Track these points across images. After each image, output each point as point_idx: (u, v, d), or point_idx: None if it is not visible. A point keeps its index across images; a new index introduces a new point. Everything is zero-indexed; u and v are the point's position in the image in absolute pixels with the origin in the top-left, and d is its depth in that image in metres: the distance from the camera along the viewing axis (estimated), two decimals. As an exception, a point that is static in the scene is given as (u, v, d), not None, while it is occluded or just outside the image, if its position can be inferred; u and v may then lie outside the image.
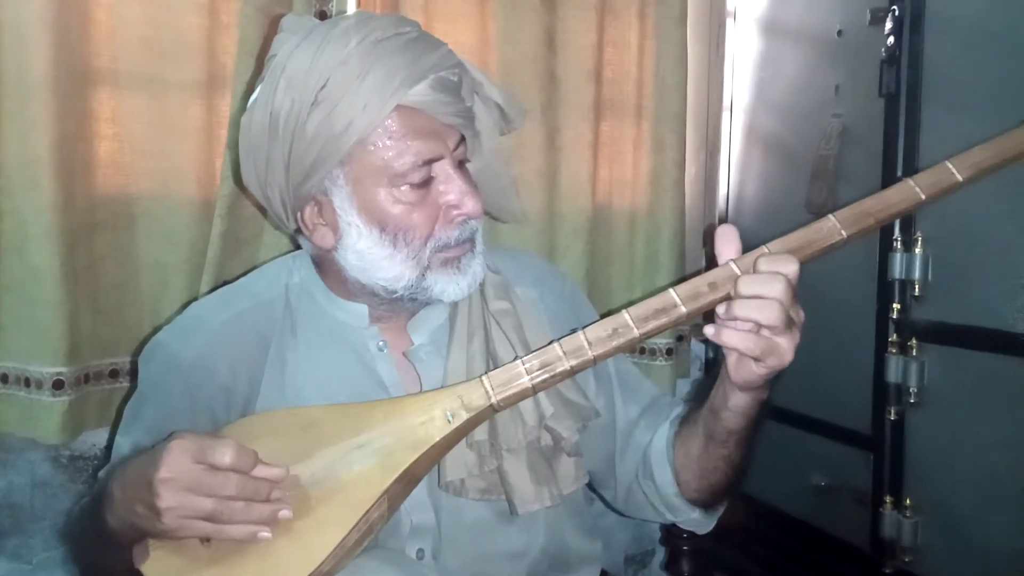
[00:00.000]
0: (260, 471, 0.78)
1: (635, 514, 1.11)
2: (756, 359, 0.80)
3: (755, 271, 0.79)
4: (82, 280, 1.32)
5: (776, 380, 0.86)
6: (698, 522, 1.05)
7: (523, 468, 0.93)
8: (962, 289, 1.30)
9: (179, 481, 0.74)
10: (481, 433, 0.91)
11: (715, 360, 1.83)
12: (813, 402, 1.57)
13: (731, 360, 0.83)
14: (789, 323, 0.79)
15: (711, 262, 0.83)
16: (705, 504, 1.02)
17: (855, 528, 1.47)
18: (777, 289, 0.77)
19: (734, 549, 1.66)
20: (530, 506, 0.93)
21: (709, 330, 0.80)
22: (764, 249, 0.81)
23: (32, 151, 1.25)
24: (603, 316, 0.84)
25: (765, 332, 0.79)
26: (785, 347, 0.80)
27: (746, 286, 0.79)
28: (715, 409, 0.91)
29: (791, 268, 0.78)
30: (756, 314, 0.78)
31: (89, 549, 0.93)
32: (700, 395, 0.96)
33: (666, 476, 1.01)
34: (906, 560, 1.37)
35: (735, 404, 0.88)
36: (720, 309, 0.81)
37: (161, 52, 1.38)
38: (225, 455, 0.76)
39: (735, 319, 0.79)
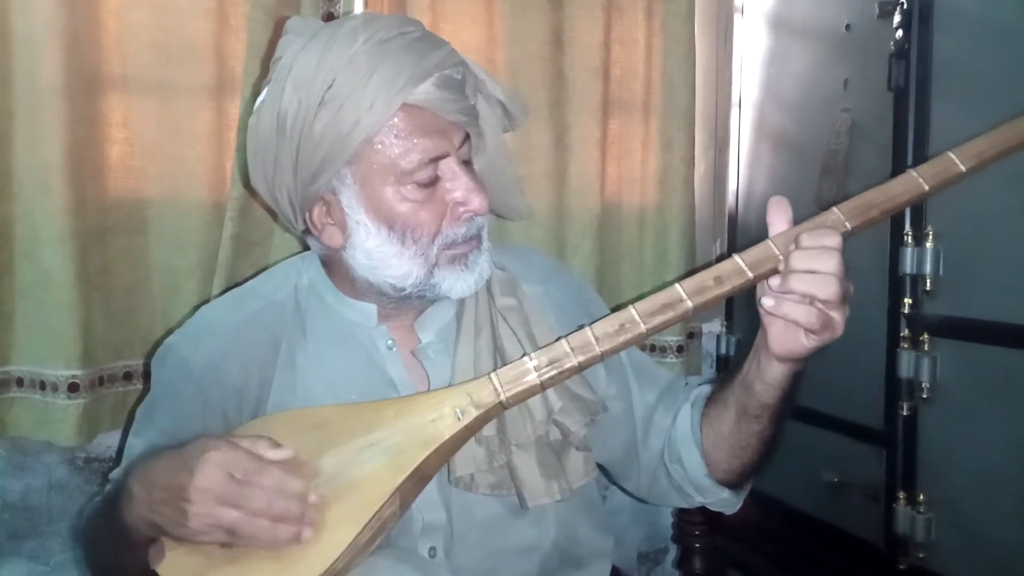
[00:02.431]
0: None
1: (659, 500, 1.11)
2: (811, 332, 0.81)
3: (799, 247, 0.80)
4: (95, 284, 1.33)
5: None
6: (727, 502, 1.05)
7: (532, 463, 0.94)
8: (973, 283, 1.30)
9: (213, 491, 0.75)
10: (490, 429, 0.92)
11: (727, 357, 1.82)
12: (825, 398, 1.56)
13: (774, 331, 0.84)
14: (844, 297, 0.80)
15: (721, 259, 0.83)
16: (734, 483, 1.03)
17: (868, 524, 1.46)
18: (832, 264, 0.79)
19: (746, 546, 1.66)
20: (540, 500, 0.93)
21: (768, 301, 0.81)
22: (769, 244, 0.81)
23: (44, 156, 1.27)
24: (615, 311, 0.84)
25: (820, 306, 0.79)
26: (839, 320, 0.81)
27: (800, 261, 0.79)
28: (749, 383, 0.91)
29: (836, 240, 0.79)
30: (814, 288, 0.79)
31: (102, 549, 0.94)
32: (729, 373, 0.97)
33: (695, 458, 1.01)
34: (920, 556, 1.36)
35: (772, 376, 0.88)
36: (774, 282, 0.81)
37: (170, 57, 1.39)
38: (268, 478, 0.76)
39: (791, 292, 0.79)
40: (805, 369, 0.89)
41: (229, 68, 1.42)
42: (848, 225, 0.82)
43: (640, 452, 1.07)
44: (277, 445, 0.80)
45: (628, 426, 1.07)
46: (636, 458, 1.07)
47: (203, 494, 0.75)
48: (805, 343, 0.83)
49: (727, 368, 0.94)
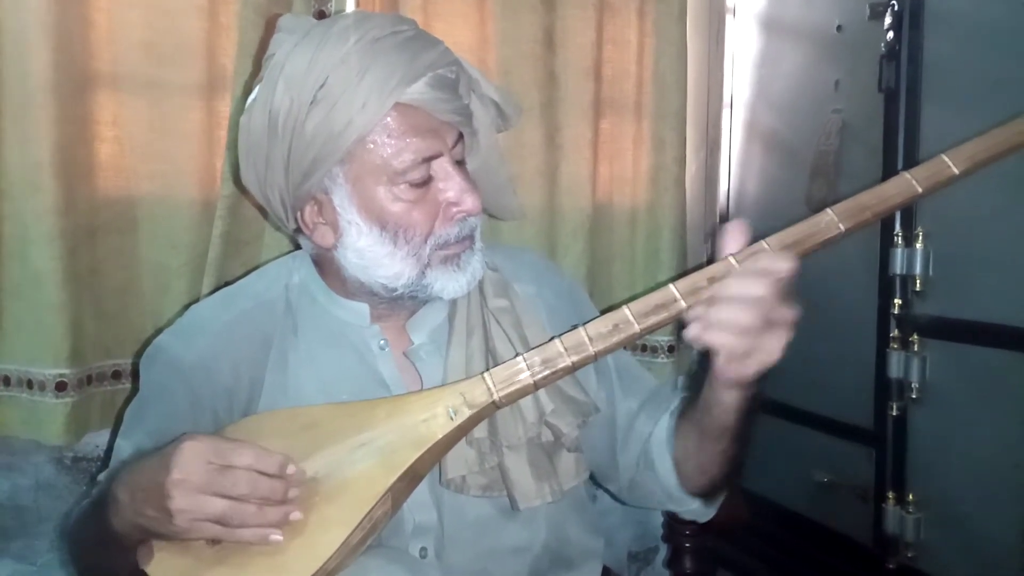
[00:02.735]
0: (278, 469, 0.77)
1: (641, 504, 1.11)
2: (741, 358, 0.80)
3: (744, 270, 0.79)
4: (84, 283, 1.32)
5: (764, 376, 0.85)
6: (698, 512, 1.05)
7: (524, 464, 0.93)
8: (963, 284, 1.30)
9: (191, 483, 0.74)
10: (481, 431, 0.92)
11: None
12: (815, 398, 1.57)
13: (719, 358, 0.82)
14: (769, 323, 0.78)
15: (712, 260, 0.83)
16: (704, 494, 1.02)
17: (858, 524, 1.47)
18: (755, 290, 0.77)
19: (737, 546, 1.66)
20: (531, 501, 0.93)
21: (692, 330, 0.80)
22: (764, 245, 0.81)
23: (33, 155, 1.26)
24: (603, 313, 0.84)
25: (740, 332, 0.78)
26: (772, 346, 0.79)
27: (726, 287, 0.78)
28: (707, 406, 0.90)
29: (782, 267, 0.78)
30: (731, 315, 0.77)
31: (90, 552, 0.93)
32: (693, 390, 0.96)
33: (667, 467, 1.01)
34: (909, 556, 1.37)
35: (725, 401, 0.87)
36: (700, 309, 0.80)
37: (161, 55, 1.38)
38: (244, 456, 0.75)
39: (710, 319, 0.79)
40: (760, 392, 0.87)
41: (220, 66, 1.42)
42: (842, 227, 0.82)
43: (619, 457, 1.07)
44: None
45: (610, 431, 1.07)
46: (616, 463, 1.07)
47: (182, 487, 0.74)
48: (743, 370, 0.81)
49: (699, 370, 0.93)
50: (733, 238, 0.82)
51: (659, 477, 1.02)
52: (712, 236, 1.89)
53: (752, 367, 0.80)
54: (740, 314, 0.77)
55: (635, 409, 1.07)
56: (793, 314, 0.80)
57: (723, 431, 0.91)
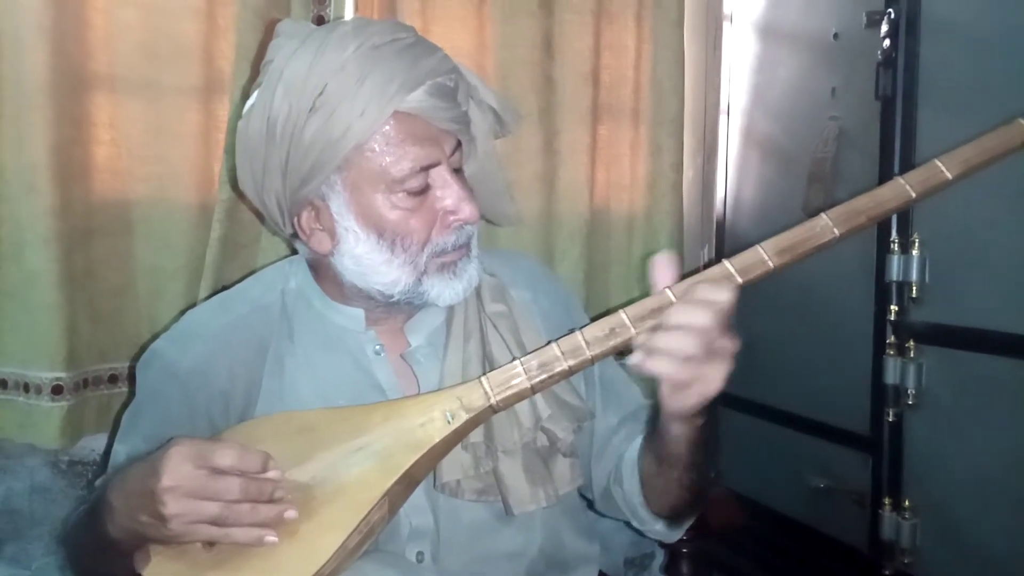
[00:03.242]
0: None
1: (613, 516, 1.11)
2: (682, 387, 0.80)
3: (686, 300, 0.79)
4: (80, 285, 1.32)
5: (711, 408, 0.85)
6: (662, 533, 1.06)
7: (519, 469, 0.94)
8: (959, 291, 1.31)
9: (182, 487, 0.74)
10: (477, 435, 0.92)
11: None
12: (811, 404, 1.58)
13: (664, 389, 0.82)
14: (711, 352, 0.78)
15: (709, 265, 0.83)
16: (668, 517, 1.02)
17: (854, 530, 1.47)
18: (698, 319, 0.77)
19: (733, 551, 1.66)
20: (526, 507, 0.93)
21: (635, 358, 0.80)
22: (760, 251, 0.82)
23: (29, 156, 1.26)
24: (600, 317, 0.84)
25: (682, 361, 0.78)
26: (712, 376, 0.79)
27: (669, 315, 0.79)
28: (660, 435, 0.91)
29: (723, 297, 0.78)
30: (674, 343, 0.78)
31: (87, 558, 0.93)
32: (653, 417, 0.95)
33: (634, 486, 1.01)
34: (905, 562, 1.37)
35: (674, 431, 0.88)
36: (642, 338, 0.80)
37: (158, 57, 1.38)
38: (227, 457, 0.76)
39: (653, 347, 0.79)
40: (711, 421, 0.88)
41: (217, 69, 1.42)
42: (837, 231, 0.82)
43: (594, 468, 1.07)
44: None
45: (589, 440, 1.07)
46: (591, 473, 1.08)
47: (173, 492, 0.74)
48: (686, 400, 0.81)
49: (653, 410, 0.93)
50: (663, 271, 0.82)
51: (626, 495, 1.03)
52: (709, 242, 1.89)
53: (693, 398, 0.81)
54: (677, 342, 0.77)
55: (614, 424, 1.07)
56: (734, 345, 0.80)
57: (676, 459, 0.91)
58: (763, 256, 0.82)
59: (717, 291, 0.78)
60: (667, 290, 0.81)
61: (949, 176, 0.83)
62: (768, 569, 1.66)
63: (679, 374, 0.79)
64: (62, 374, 1.29)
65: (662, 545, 1.58)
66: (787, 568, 1.64)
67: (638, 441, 1.02)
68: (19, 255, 1.28)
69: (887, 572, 1.39)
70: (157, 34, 1.38)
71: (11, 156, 1.27)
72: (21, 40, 1.25)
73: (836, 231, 0.82)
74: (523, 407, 0.93)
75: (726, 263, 0.82)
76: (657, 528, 1.04)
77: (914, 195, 0.83)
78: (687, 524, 1.06)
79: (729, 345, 0.80)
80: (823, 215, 0.82)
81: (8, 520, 1.42)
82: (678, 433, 0.88)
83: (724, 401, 1.82)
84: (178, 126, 1.40)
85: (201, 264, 1.38)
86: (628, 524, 1.07)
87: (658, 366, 0.79)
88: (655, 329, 0.79)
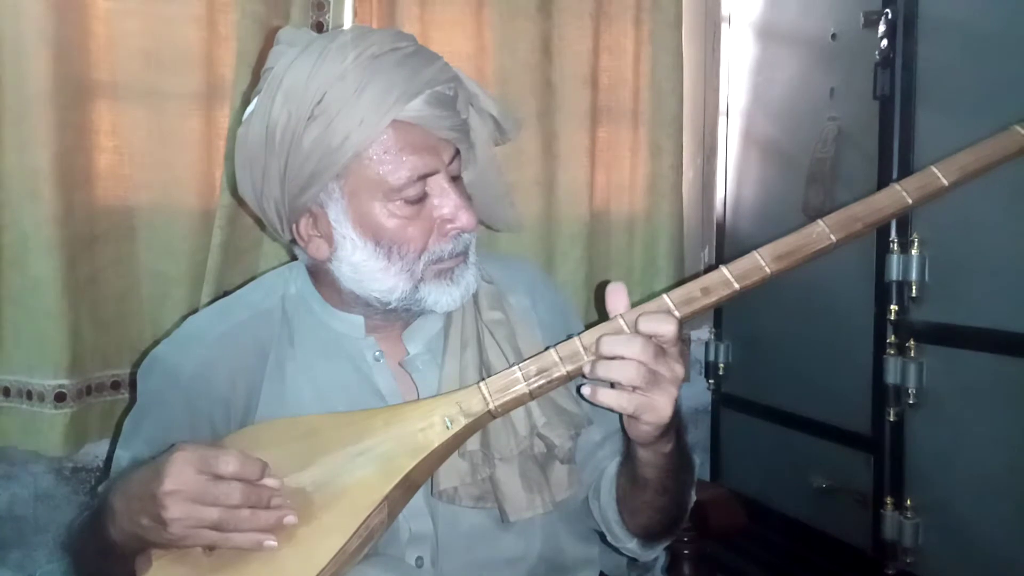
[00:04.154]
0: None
1: (594, 526, 1.10)
2: (632, 416, 0.80)
3: (633, 328, 0.79)
4: (83, 292, 1.33)
5: (680, 432, 0.86)
6: (635, 551, 1.05)
7: (515, 476, 0.94)
8: (959, 290, 1.31)
9: (184, 492, 0.75)
10: (474, 443, 0.92)
11: (716, 364, 1.83)
12: (813, 404, 1.58)
13: (624, 417, 0.83)
14: (654, 380, 0.78)
15: (710, 267, 0.84)
16: (642, 537, 1.02)
17: (856, 530, 1.47)
18: (634, 349, 0.77)
19: (735, 552, 1.66)
20: (522, 513, 0.94)
21: (586, 390, 0.81)
22: (757, 257, 0.82)
23: (32, 163, 1.26)
24: (599, 322, 0.84)
25: (630, 390, 0.79)
26: (660, 403, 0.79)
27: (606, 346, 0.79)
28: (632, 457, 0.91)
29: (664, 328, 0.78)
30: (613, 374, 0.78)
31: (91, 563, 0.94)
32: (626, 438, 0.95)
33: (610, 503, 1.01)
34: (908, 561, 1.37)
35: (641, 456, 0.88)
36: (587, 368, 0.81)
37: (160, 64, 1.39)
38: (229, 464, 0.76)
39: (598, 378, 0.79)
40: (679, 448, 0.88)
41: (218, 76, 1.42)
42: (833, 237, 0.82)
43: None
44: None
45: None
46: None
47: (175, 497, 0.75)
48: (638, 427, 0.82)
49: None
50: (616, 298, 0.82)
51: (602, 510, 1.03)
52: (709, 243, 1.89)
53: (645, 425, 0.81)
54: (616, 373, 0.78)
55: (597, 439, 1.06)
56: (681, 371, 0.80)
57: (646, 482, 0.92)
58: (760, 262, 0.82)
59: (659, 323, 0.78)
60: (619, 317, 0.81)
61: (946, 183, 0.84)
62: (770, 570, 1.66)
63: (628, 404, 0.79)
64: (65, 381, 1.30)
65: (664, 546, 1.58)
66: (789, 569, 1.64)
67: (619, 458, 1.02)
68: (22, 262, 1.29)
69: (890, 572, 1.39)
70: (159, 42, 1.38)
71: (14, 163, 1.28)
72: (24, 48, 1.26)
73: (833, 237, 0.82)
74: (519, 415, 0.93)
75: (723, 269, 0.82)
76: (630, 546, 1.04)
77: (911, 201, 0.83)
78: (662, 545, 1.06)
79: (676, 371, 0.80)
80: (820, 221, 0.83)
81: (12, 526, 1.43)
82: (645, 458, 0.88)
83: (725, 401, 1.83)
84: (180, 133, 1.41)
85: (203, 270, 1.39)
86: (603, 538, 1.07)
87: (605, 397, 0.79)
88: (595, 362, 0.80)
